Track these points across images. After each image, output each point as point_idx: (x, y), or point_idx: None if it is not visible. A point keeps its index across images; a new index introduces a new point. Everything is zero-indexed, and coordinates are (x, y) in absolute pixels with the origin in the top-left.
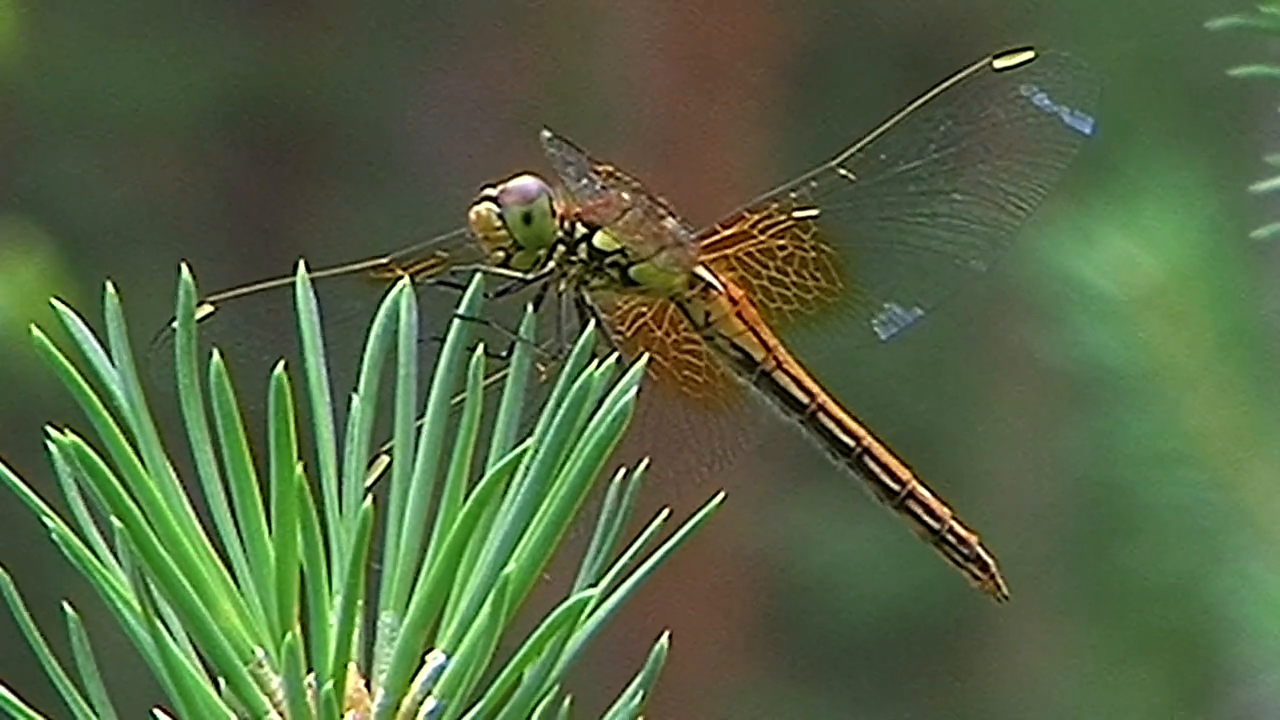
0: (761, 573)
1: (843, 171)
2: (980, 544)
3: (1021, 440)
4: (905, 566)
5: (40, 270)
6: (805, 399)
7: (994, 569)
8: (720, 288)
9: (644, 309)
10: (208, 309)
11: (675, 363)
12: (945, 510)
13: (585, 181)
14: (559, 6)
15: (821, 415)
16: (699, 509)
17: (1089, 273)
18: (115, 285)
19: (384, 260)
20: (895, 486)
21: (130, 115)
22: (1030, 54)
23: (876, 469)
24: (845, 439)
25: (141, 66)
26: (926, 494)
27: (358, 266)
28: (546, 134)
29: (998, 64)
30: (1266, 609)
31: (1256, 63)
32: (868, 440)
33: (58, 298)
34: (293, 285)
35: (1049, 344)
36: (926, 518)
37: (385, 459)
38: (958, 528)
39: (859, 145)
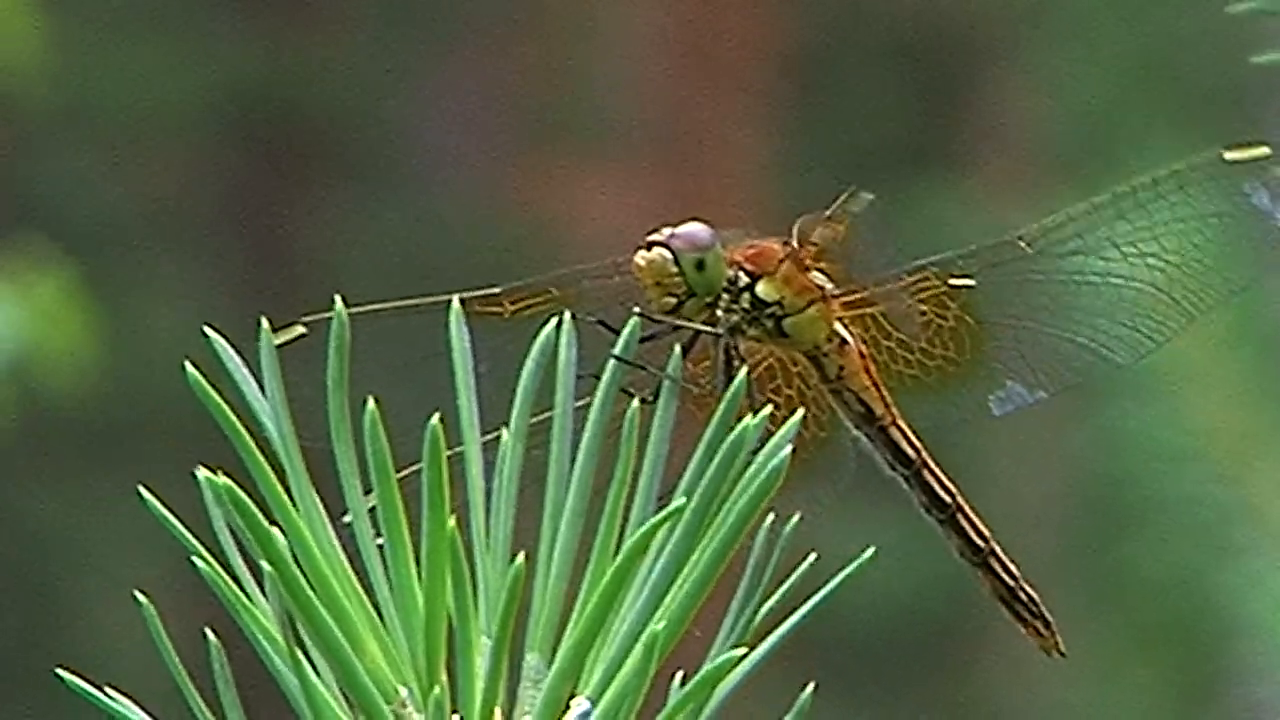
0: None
1: (1023, 244)
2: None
3: (1026, 434)
4: (905, 567)
5: (58, 288)
6: (913, 455)
7: (1054, 626)
8: (854, 344)
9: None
10: (300, 330)
11: None
12: (1015, 569)
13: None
14: (562, 6)
15: (925, 472)
16: (851, 561)
17: None
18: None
19: (495, 291)
20: (980, 544)
21: (134, 115)
22: (1264, 149)
23: (966, 527)
24: (944, 496)
25: (146, 66)
26: (1003, 554)
27: (464, 296)
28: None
29: (1228, 155)
30: (1271, 605)
31: (1258, 56)
32: (960, 499)
33: (211, 325)
34: (435, 317)
35: None
36: (1004, 576)
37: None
38: (1027, 586)
39: (1052, 219)
